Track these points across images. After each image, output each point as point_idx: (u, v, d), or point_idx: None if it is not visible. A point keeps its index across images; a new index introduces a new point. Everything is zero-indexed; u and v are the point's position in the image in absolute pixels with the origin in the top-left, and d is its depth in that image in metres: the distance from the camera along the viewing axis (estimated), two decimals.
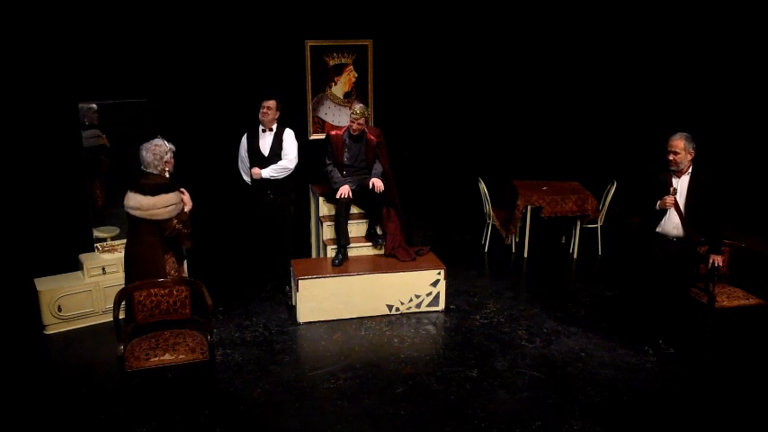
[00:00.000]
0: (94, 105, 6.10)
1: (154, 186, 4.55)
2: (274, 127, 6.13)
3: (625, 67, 8.03)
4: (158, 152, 4.65)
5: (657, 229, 5.21)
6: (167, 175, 4.70)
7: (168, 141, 4.73)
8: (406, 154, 7.58)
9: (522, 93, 8.21)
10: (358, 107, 6.17)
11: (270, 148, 6.10)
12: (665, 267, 5.16)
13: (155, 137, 4.76)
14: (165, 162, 4.68)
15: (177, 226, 4.61)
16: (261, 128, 6.12)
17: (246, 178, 6.26)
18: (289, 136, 6.19)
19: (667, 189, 5.11)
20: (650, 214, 5.23)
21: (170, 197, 4.58)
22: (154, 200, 4.52)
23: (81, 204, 6.27)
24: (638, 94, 8.01)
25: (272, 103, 6.04)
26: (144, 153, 4.64)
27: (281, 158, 6.12)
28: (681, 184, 5.14)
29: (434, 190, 8.14)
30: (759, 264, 5.52)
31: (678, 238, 5.16)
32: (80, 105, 6.03)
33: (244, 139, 6.19)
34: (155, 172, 4.64)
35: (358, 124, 6.16)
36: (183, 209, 4.69)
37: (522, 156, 8.31)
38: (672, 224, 5.17)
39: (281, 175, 6.14)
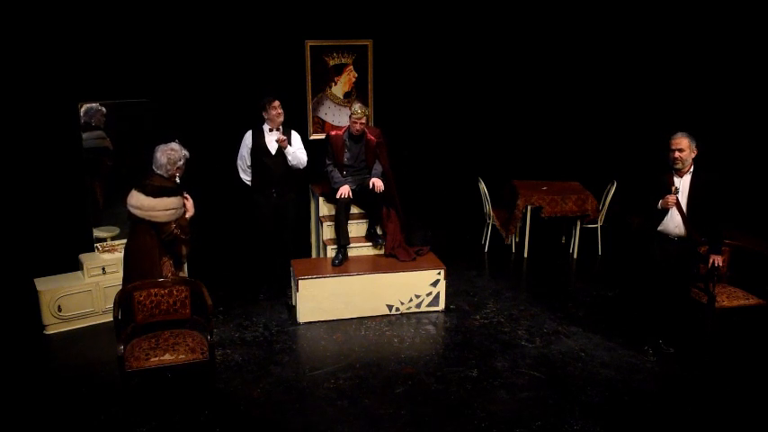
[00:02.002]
0: (103, 108, 6.11)
1: (157, 188, 4.55)
2: (281, 126, 6.15)
3: (625, 67, 8.03)
4: (173, 157, 4.64)
5: (659, 228, 5.21)
6: (177, 180, 4.70)
7: (184, 147, 4.72)
8: (406, 154, 7.58)
9: (522, 93, 8.21)
10: (357, 107, 6.17)
11: (277, 146, 6.11)
12: (666, 267, 5.16)
13: (170, 139, 4.75)
14: (177, 168, 4.67)
15: (175, 231, 4.60)
16: (267, 127, 6.12)
17: (245, 177, 6.24)
18: (297, 137, 6.24)
19: (669, 189, 5.11)
20: (652, 214, 5.22)
21: (171, 201, 4.57)
22: (155, 201, 4.51)
23: (81, 204, 6.27)
24: (638, 95, 8.00)
25: (279, 103, 6.05)
26: (158, 155, 4.63)
27: (287, 157, 6.13)
28: (682, 184, 5.13)
29: (434, 190, 8.14)
30: (759, 264, 5.50)
31: (679, 237, 5.16)
32: (89, 106, 6.02)
33: (249, 138, 6.14)
34: (164, 175, 4.63)
35: (360, 124, 6.17)
36: (184, 214, 4.68)
37: (522, 156, 8.30)
38: (674, 224, 5.16)
39: (294, 163, 6.14)
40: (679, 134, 5.10)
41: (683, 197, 5.12)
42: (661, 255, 5.19)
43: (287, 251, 6.35)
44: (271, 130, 6.11)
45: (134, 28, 6.39)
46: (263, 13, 6.96)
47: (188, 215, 4.76)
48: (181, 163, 4.68)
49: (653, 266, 5.25)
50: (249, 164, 6.16)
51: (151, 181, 4.58)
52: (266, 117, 6.07)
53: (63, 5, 6.07)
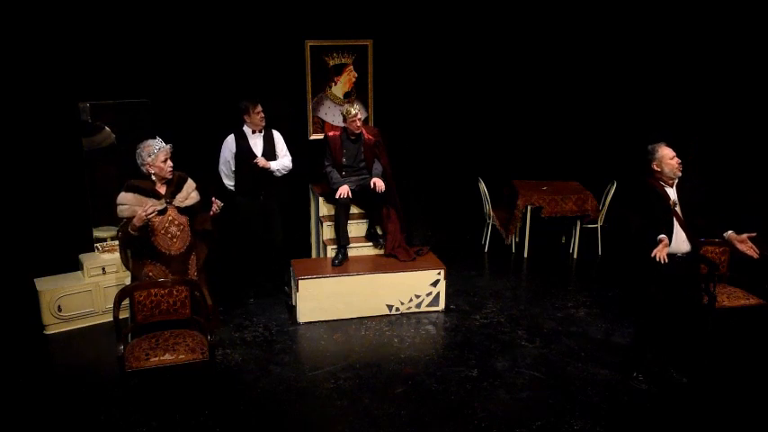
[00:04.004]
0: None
1: (130, 185, 4.62)
2: (263, 130, 6.15)
3: (625, 67, 8.02)
4: (143, 153, 4.64)
5: (669, 251, 4.84)
6: (153, 178, 4.65)
7: (162, 141, 4.67)
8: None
9: (522, 93, 8.21)
10: (347, 107, 6.26)
11: (262, 148, 6.11)
12: (675, 285, 4.90)
13: (153, 137, 4.74)
14: (149, 164, 4.61)
15: (119, 232, 4.59)
16: (250, 130, 6.10)
17: (229, 182, 6.19)
18: (279, 137, 6.24)
19: (666, 201, 4.87)
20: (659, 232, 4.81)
21: (123, 196, 4.57)
22: (118, 196, 4.58)
23: (81, 204, 6.27)
24: (638, 95, 8.00)
25: (260, 107, 6.05)
26: (138, 151, 4.66)
27: (273, 159, 6.12)
28: (673, 194, 4.95)
29: (434, 190, 8.14)
30: (759, 264, 5.49)
31: (686, 252, 4.90)
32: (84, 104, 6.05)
33: (232, 142, 6.07)
34: (144, 172, 4.65)
35: (359, 120, 6.21)
36: (141, 214, 4.45)
37: (522, 156, 8.30)
38: (680, 240, 4.87)
39: (282, 173, 6.18)
40: (665, 144, 4.87)
41: (677, 208, 4.94)
42: (668, 273, 4.85)
43: (280, 251, 6.36)
44: (254, 132, 6.10)
45: (134, 28, 6.39)
46: (263, 13, 6.96)
47: (214, 208, 4.94)
48: (150, 159, 4.60)
49: (662, 289, 4.91)
50: (233, 168, 6.12)
51: (134, 180, 4.65)
52: (248, 120, 6.06)
53: (63, 5, 6.07)
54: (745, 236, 4.75)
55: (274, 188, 6.23)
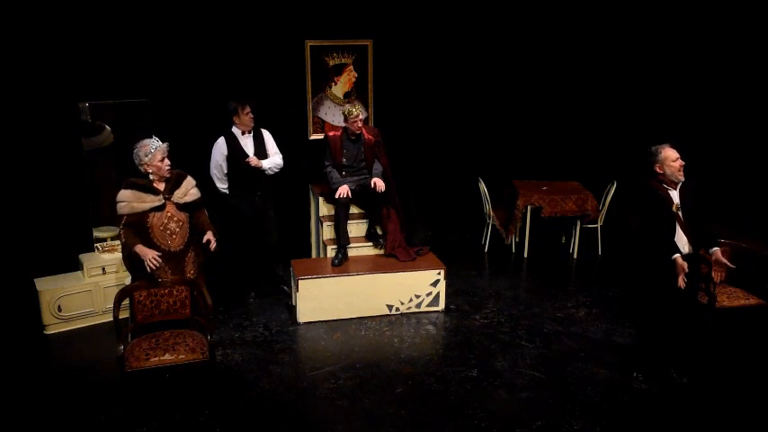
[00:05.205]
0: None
1: (130, 182, 4.64)
2: (252, 130, 6.14)
3: (625, 67, 8.03)
4: (140, 153, 4.64)
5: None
6: (151, 177, 4.66)
7: (159, 140, 4.67)
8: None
9: (522, 93, 8.21)
10: (349, 107, 6.29)
11: (253, 148, 6.11)
12: (675, 285, 4.93)
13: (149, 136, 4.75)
14: (146, 164, 4.62)
15: (121, 233, 4.60)
16: (240, 131, 6.09)
17: (222, 185, 6.16)
18: (269, 135, 6.24)
19: (669, 205, 4.83)
20: (668, 247, 4.78)
21: (122, 193, 4.60)
22: (118, 194, 4.61)
23: (81, 204, 6.27)
24: (638, 95, 8.00)
25: (249, 107, 6.06)
26: (135, 151, 4.67)
27: (264, 158, 6.12)
28: (676, 197, 4.89)
29: (434, 190, 8.14)
30: (759, 264, 5.49)
31: (687, 254, 4.86)
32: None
33: (223, 145, 6.04)
34: (142, 171, 4.66)
35: (360, 121, 6.21)
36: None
37: (522, 156, 8.31)
38: (681, 243, 4.86)
39: (274, 171, 6.19)
40: (669, 145, 4.83)
41: (678, 211, 4.92)
42: (669, 274, 4.81)
43: (276, 252, 6.37)
44: (243, 133, 6.09)
45: (134, 28, 6.39)
46: (263, 13, 6.96)
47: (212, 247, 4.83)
48: (148, 159, 4.60)
49: (661, 289, 4.90)
50: (226, 171, 6.09)
51: (133, 178, 4.66)
52: (237, 121, 6.04)
53: (63, 5, 6.07)
54: (724, 261, 4.81)
55: (269, 188, 6.23)
